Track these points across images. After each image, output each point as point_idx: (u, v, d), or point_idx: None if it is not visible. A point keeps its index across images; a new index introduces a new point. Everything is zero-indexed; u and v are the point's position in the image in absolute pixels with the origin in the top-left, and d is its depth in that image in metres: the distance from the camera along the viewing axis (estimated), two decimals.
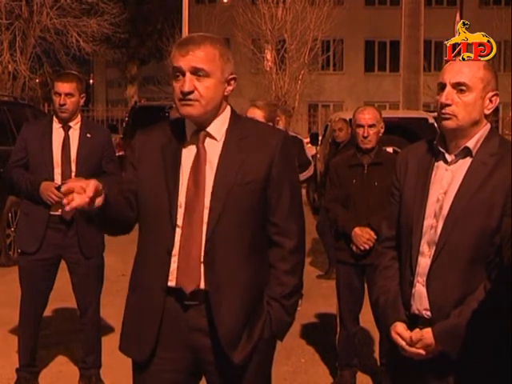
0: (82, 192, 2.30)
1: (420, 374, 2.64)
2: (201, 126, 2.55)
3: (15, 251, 8.31)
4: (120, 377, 4.84)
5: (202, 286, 2.50)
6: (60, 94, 4.50)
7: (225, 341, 2.50)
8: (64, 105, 4.50)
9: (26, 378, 4.75)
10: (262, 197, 2.56)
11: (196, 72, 2.47)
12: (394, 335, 2.65)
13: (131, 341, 2.61)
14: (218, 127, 2.57)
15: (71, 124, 4.60)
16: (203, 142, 2.56)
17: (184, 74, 2.47)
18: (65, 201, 2.30)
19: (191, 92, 2.46)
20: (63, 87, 4.50)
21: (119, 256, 7.30)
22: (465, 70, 2.59)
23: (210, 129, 2.56)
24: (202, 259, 2.49)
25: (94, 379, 4.82)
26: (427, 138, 2.74)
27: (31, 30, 20.51)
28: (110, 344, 5.04)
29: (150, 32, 35.41)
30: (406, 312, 2.66)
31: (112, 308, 5.63)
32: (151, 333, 2.54)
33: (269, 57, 27.62)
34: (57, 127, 4.60)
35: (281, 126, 5.91)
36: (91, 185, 2.32)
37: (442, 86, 2.62)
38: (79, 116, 4.65)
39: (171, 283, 2.51)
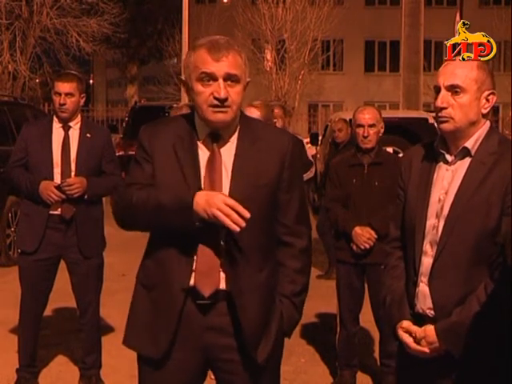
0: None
1: (425, 373, 2.65)
2: (216, 129, 2.52)
3: (15, 251, 8.30)
4: (120, 377, 4.85)
5: (221, 286, 2.51)
6: (60, 94, 4.50)
7: (250, 342, 2.53)
8: (64, 104, 4.49)
9: (25, 377, 4.74)
10: (273, 199, 2.58)
11: (229, 78, 2.45)
12: (400, 332, 2.67)
13: (143, 337, 2.59)
14: (232, 130, 2.56)
15: (71, 124, 4.60)
16: (218, 145, 2.54)
17: (215, 80, 2.45)
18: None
19: (226, 99, 2.45)
20: (63, 87, 4.50)
21: (119, 256, 7.31)
22: (458, 72, 2.58)
23: (225, 132, 2.54)
24: (221, 262, 2.50)
25: (94, 379, 4.81)
26: (431, 139, 2.75)
27: (31, 30, 20.52)
28: (110, 344, 5.05)
29: (150, 32, 35.43)
30: (411, 311, 2.67)
31: (112, 308, 5.63)
32: (168, 332, 2.53)
33: (269, 57, 27.65)
34: (57, 127, 4.60)
35: (279, 125, 5.90)
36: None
37: (437, 90, 2.62)
38: (79, 116, 4.65)
39: (190, 283, 2.51)
